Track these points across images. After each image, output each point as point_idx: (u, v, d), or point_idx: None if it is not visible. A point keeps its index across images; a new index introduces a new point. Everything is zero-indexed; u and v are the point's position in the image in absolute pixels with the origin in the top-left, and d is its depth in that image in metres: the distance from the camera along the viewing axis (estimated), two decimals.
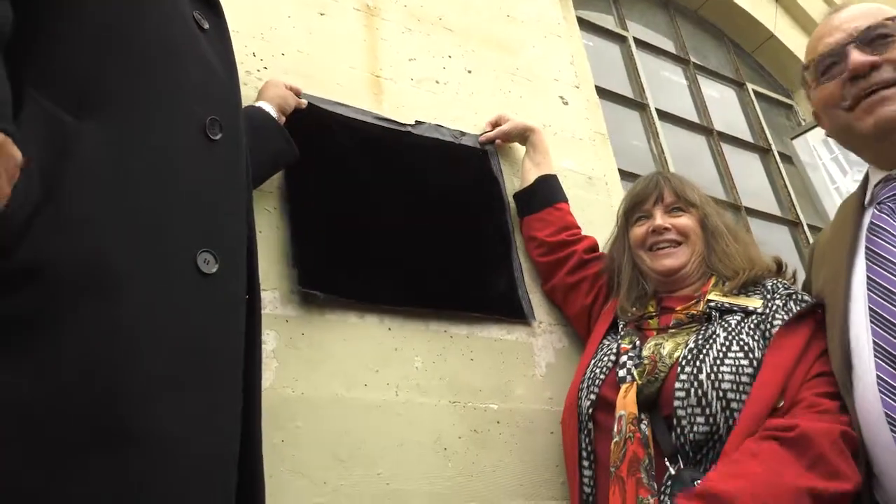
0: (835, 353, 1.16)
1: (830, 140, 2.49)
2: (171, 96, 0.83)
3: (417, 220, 1.60)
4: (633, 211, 1.55)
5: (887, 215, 1.15)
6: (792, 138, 2.62)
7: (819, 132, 2.53)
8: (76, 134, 0.73)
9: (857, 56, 1.18)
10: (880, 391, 1.05)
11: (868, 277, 1.12)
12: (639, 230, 1.52)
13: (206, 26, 0.95)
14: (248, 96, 1.41)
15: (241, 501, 0.84)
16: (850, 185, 2.44)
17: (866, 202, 1.24)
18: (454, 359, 1.51)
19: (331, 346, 1.38)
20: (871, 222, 1.18)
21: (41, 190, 0.69)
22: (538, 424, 1.55)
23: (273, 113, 1.41)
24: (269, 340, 1.32)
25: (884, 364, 1.05)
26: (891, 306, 1.07)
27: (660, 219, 1.48)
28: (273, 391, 1.28)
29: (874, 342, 1.07)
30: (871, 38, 1.19)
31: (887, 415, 1.03)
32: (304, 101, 1.54)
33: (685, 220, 1.48)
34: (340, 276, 1.43)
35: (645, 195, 1.53)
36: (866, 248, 1.15)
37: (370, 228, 1.52)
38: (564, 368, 1.65)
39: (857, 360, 1.12)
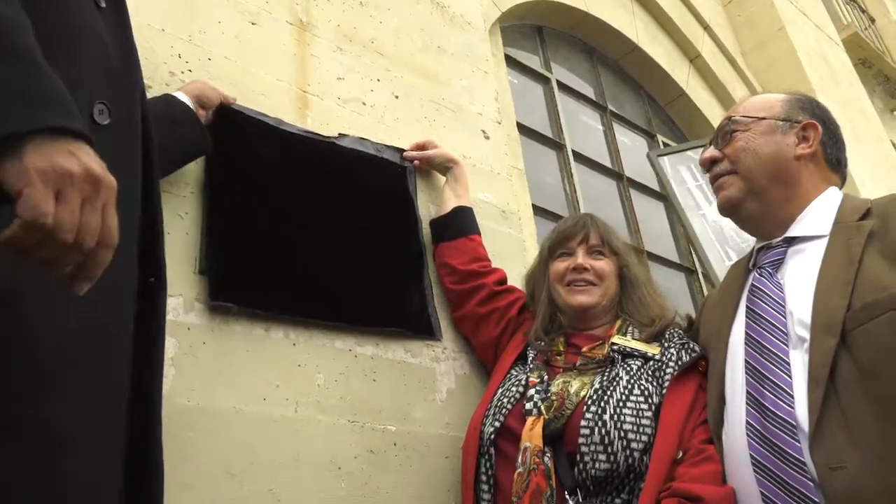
0: (710, 402, 1.28)
1: (693, 167, 2.66)
2: (65, 80, 0.80)
3: (333, 233, 1.61)
4: (557, 246, 1.62)
5: (766, 279, 1.28)
6: (658, 155, 2.74)
7: (683, 158, 2.69)
8: None
9: (704, 153, 1.43)
10: (748, 435, 1.15)
11: (746, 334, 1.24)
12: (560, 265, 1.59)
13: (104, 4, 0.91)
14: None
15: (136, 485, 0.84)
16: (715, 214, 2.62)
17: (750, 265, 1.38)
18: (357, 378, 1.52)
19: (233, 357, 1.36)
20: (752, 285, 1.31)
21: None
22: (434, 448, 1.57)
23: (188, 102, 1.38)
24: (169, 348, 1.29)
25: (753, 411, 1.16)
26: (763, 359, 1.18)
27: (581, 258, 1.57)
28: (167, 400, 1.24)
29: (747, 391, 1.18)
30: (721, 134, 1.41)
31: (752, 457, 1.13)
32: (232, 98, 1.53)
33: (604, 264, 1.57)
34: (252, 288, 1.42)
35: (572, 233, 1.61)
36: (747, 307, 1.28)
37: (286, 238, 1.52)
38: (464, 395, 1.69)
39: (729, 408, 1.23)
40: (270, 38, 1.76)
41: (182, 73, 1.54)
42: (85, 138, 0.64)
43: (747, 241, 2.43)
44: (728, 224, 2.51)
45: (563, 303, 1.56)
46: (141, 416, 0.87)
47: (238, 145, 1.53)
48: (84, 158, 0.63)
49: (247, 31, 1.72)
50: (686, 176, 2.66)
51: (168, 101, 1.36)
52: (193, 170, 1.47)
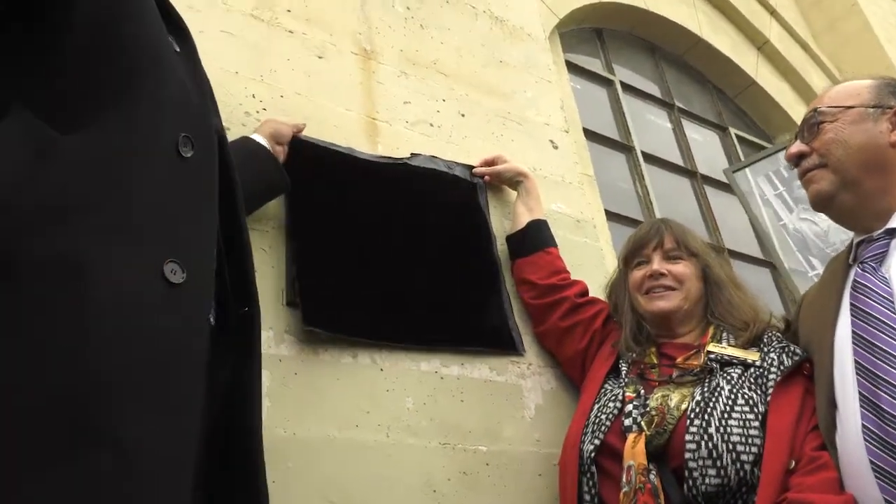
0: (820, 407, 1.22)
1: (773, 175, 2.57)
2: (152, 111, 0.84)
3: (411, 254, 1.63)
4: (633, 256, 1.60)
5: (869, 273, 1.21)
6: (734, 171, 2.67)
7: (761, 167, 2.60)
8: (55, 140, 0.75)
9: (790, 149, 1.38)
10: (865, 440, 1.09)
11: (853, 332, 1.17)
12: (637, 274, 1.57)
13: (178, 49, 0.97)
14: None
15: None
16: (796, 222, 2.50)
17: (850, 260, 1.30)
18: (445, 400, 1.52)
19: (323, 386, 1.39)
20: (855, 280, 1.24)
21: (12, 186, 0.70)
22: (526, 467, 1.56)
23: (264, 142, 1.43)
24: (262, 380, 1.32)
25: (869, 414, 1.09)
26: (875, 359, 1.12)
27: (657, 264, 1.53)
28: (265, 431, 1.28)
29: (860, 393, 1.12)
30: (807, 127, 1.36)
31: (872, 462, 1.07)
32: (302, 124, 1.57)
33: (682, 268, 1.53)
34: (341, 314, 1.45)
35: (646, 241, 1.58)
36: (851, 304, 1.21)
37: (366, 263, 1.55)
38: (553, 410, 1.67)
39: (841, 412, 1.17)
40: (337, 70, 1.81)
41: (257, 112, 1.59)
42: None
43: (833, 247, 2.33)
44: (811, 231, 2.42)
45: (644, 311, 1.53)
46: (243, 444, 0.90)
47: (314, 176, 1.57)
48: None
49: (314, 65, 1.76)
50: (765, 187, 2.58)
51: (244, 143, 1.40)
52: (273, 204, 1.51)
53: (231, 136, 1.31)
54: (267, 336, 1.37)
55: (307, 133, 1.60)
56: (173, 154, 0.86)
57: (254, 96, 1.61)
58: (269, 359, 1.35)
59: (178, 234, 0.83)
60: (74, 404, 0.66)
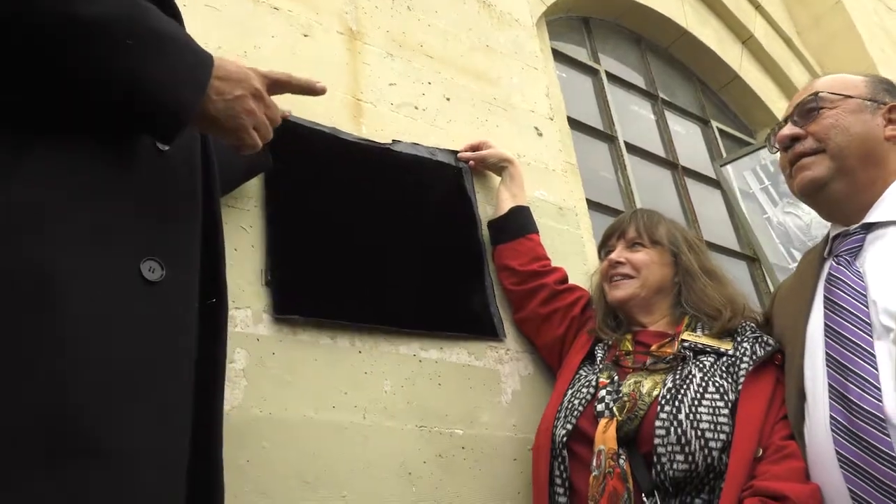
0: (790, 398, 1.24)
1: (759, 170, 2.61)
2: None
3: (393, 238, 1.62)
4: (602, 246, 1.67)
5: (844, 267, 1.23)
6: (721, 165, 2.71)
7: (748, 161, 2.64)
8: (26, 145, 0.73)
9: (783, 131, 1.35)
10: (833, 431, 1.11)
11: (826, 325, 1.19)
12: (604, 263, 1.62)
13: None
14: None
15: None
16: (780, 215, 2.55)
17: (826, 254, 1.32)
18: (423, 383, 1.53)
19: (301, 366, 1.38)
20: (830, 273, 1.25)
21: None
22: (502, 451, 1.57)
23: None
24: (240, 359, 1.32)
25: (837, 406, 1.11)
26: (845, 351, 1.13)
27: (616, 253, 1.58)
28: (241, 410, 1.28)
29: (829, 385, 1.13)
30: (803, 111, 1.34)
31: (838, 453, 1.09)
32: (288, 110, 1.55)
33: (641, 256, 1.56)
34: (317, 298, 1.44)
35: (612, 231, 1.65)
36: (825, 297, 1.23)
37: (347, 246, 1.54)
38: (530, 396, 1.68)
39: (810, 403, 1.19)
40: (323, 49, 1.78)
41: None
42: None
43: (814, 239, 2.37)
44: (793, 224, 2.47)
45: (607, 299, 1.57)
46: (204, 435, 0.89)
47: (296, 156, 1.56)
48: None
49: (300, 43, 1.74)
50: (751, 181, 2.62)
51: None
52: (256, 183, 1.50)
53: None
54: (245, 315, 1.36)
55: (291, 111, 1.58)
56: (151, 145, 0.85)
57: None
58: (247, 338, 1.34)
59: (157, 231, 0.81)
60: (50, 414, 0.65)
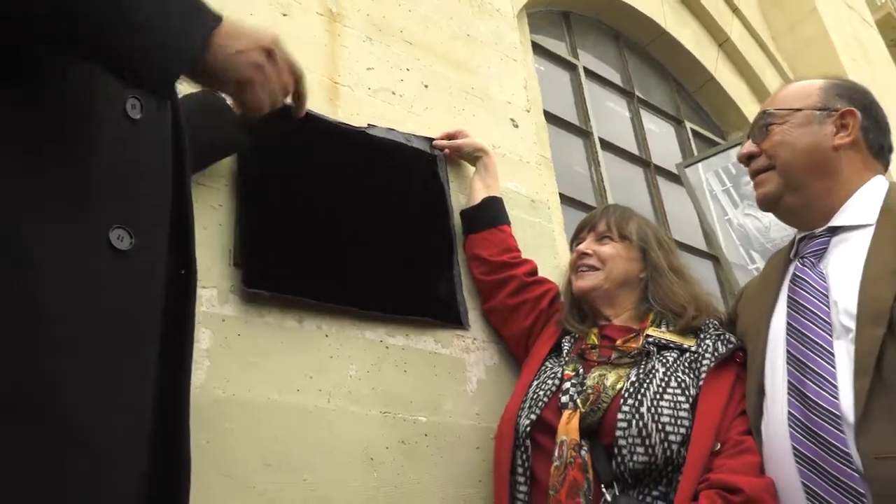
0: (750, 394, 1.27)
1: (722, 172, 2.67)
2: (98, 72, 0.79)
3: (363, 221, 1.61)
4: (574, 239, 1.69)
5: (808, 268, 1.26)
6: (685, 166, 2.76)
7: (712, 163, 2.70)
8: None
9: (742, 149, 1.40)
10: (790, 427, 1.14)
11: (788, 324, 1.22)
12: (572, 255, 1.65)
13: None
14: None
15: (163, 480, 0.84)
16: (740, 217, 2.61)
17: (792, 255, 1.35)
18: (388, 369, 1.53)
19: (267, 348, 1.37)
20: (794, 274, 1.29)
21: None
22: (464, 439, 1.58)
23: (226, 98, 1.39)
24: (204, 339, 1.30)
25: (795, 402, 1.15)
26: (805, 349, 1.17)
27: (584, 245, 1.61)
28: (204, 391, 1.27)
29: (789, 382, 1.17)
30: (758, 128, 1.38)
31: (795, 449, 1.12)
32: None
33: (608, 249, 1.58)
34: (285, 276, 1.43)
35: (584, 224, 1.68)
36: (789, 297, 1.26)
37: (317, 228, 1.53)
38: (495, 386, 1.69)
39: (770, 399, 1.22)
40: (301, 30, 1.76)
41: None
42: None
43: (773, 242, 2.42)
44: (753, 227, 2.52)
45: (573, 289, 1.60)
46: (171, 409, 0.88)
47: (269, 136, 1.54)
48: None
49: (278, 22, 1.72)
50: (713, 182, 2.67)
51: (204, 97, 1.36)
52: (227, 162, 1.48)
53: (188, 89, 1.27)
54: (211, 295, 1.35)
55: None
56: (122, 116, 0.83)
57: None
58: (212, 318, 1.33)
59: (127, 200, 0.79)
60: (14, 384, 0.64)
